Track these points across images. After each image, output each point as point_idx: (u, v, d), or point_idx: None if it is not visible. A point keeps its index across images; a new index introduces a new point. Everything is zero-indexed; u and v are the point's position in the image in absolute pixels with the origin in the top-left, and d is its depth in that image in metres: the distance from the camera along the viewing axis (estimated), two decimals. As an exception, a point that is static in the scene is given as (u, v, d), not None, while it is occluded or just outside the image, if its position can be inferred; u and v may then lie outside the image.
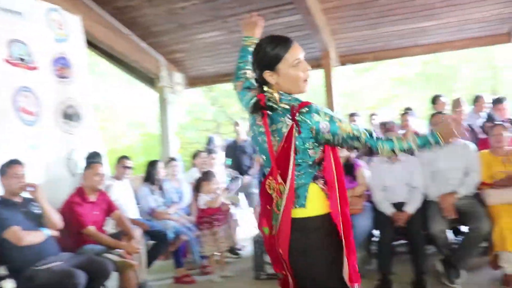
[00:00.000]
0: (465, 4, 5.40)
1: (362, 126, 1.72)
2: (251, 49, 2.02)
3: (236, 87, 2.06)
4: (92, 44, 5.68)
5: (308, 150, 1.67)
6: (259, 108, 1.73)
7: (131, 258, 3.57)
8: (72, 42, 4.52)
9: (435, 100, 5.49)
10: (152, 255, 4.18)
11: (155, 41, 6.41)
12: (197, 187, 4.72)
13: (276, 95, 1.72)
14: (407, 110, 5.58)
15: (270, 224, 1.79)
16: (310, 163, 1.70)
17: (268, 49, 1.70)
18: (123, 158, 4.65)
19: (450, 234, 3.93)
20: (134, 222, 4.16)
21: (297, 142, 1.64)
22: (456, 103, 5.18)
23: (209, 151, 5.97)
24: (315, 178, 1.72)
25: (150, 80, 7.20)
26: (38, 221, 3.22)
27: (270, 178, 1.73)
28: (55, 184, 3.89)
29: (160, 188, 4.88)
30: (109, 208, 3.86)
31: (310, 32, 5.67)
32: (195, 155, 5.81)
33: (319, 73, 6.58)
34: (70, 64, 4.43)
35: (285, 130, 1.65)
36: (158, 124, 7.51)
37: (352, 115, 6.37)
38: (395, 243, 4.30)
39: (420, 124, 5.76)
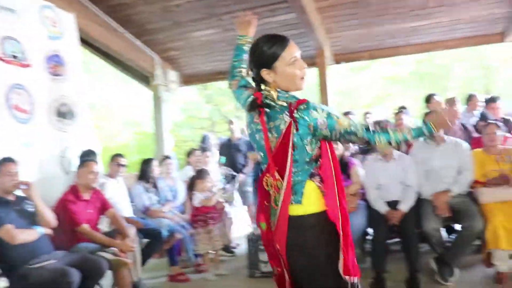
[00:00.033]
0: (457, 4, 5.43)
1: (358, 121, 1.74)
2: (245, 48, 2.09)
3: (232, 86, 2.08)
4: (86, 42, 5.65)
5: (306, 147, 1.69)
6: (256, 106, 1.75)
7: (125, 256, 3.56)
8: (66, 40, 4.50)
9: (429, 99, 5.51)
10: (146, 253, 4.17)
11: (150, 39, 6.39)
12: (191, 185, 4.71)
13: (273, 93, 1.75)
14: (401, 109, 5.60)
15: (268, 220, 1.82)
16: (308, 159, 1.72)
17: (265, 48, 1.73)
18: (117, 156, 4.63)
19: (443, 232, 3.96)
20: (128, 220, 4.15)
21: (295, 139, 1.67)
22: (450, 102, 5.20)
23: (203, 149, 5.97)
24: (311, 176, 1.75)
25: (144, 78, 7.18)
26: (32, 219, 3.21)
27: (268, 175, 1.76)
28: (49, 182, 3.87)
29: (155, 186, 4.87)
30: (103, 206, 3.85)
31: (304, 31, 5.68)
32: (189, 153, 5.80)
33: (314, 71, 6.59)
34: (64, 62, 4.40)
35: (283, 127, 1.67)
36: (152, 122, 7.48)
37: (346, 113, 6.36)
38: (389, 241, 4.32)
39: (414, 123, 5.78)
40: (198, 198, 4.47)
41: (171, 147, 7.39)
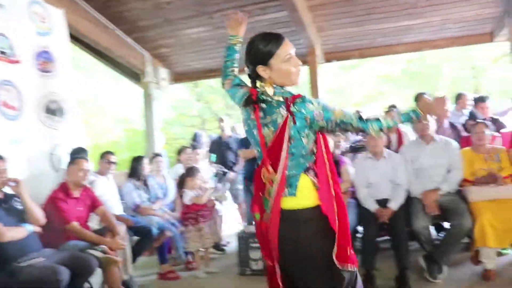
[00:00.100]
0: (447, 3, 5.47)
1: (351, 111, 1.81)
2: (237, 47, 2.16)
3: (225, 85, 2.13)
4: (76, 38, 5.60)
5: (303, 139, 1.75)
6: (251, 102, 1.82)
7: (114, 254, 3.55)
8: (55, 36, 4.45)
9: (418, 97, 5.54)
10: (136, 251, 4.16)
11: (140, 36, 6.35)
12: (181, 183, 4.70)
13: (269, 89, 1.80)
14: (392, 108, 5.62)
15: (262, 211, 1.86)
16: (304, 153, 1.77)
17: (260, 46, 1.79)
18: (107, 153, 4.60)
19: (432, 231, 4.00)
20: (119, 218, 4.13)
21: (292, 132, 1.72)
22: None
23: (194, 147, 5.95)
24: (306, 170, 1.80)
25: (135, 75, 7.14)
26: (20, 217, 3.18)
27: (263, 168, 1.81)
28: (38, 180, 3.84)
29: (145, 184, 4.85)
30: (93, 204, 3.82)
31: (295, 29, 5.68)
32: (180, 151, 5.79)
33: (305, 70, 6.60)
34: (53, 58, 4.36)
35: (280, 121, 1.74)
36: (143, 119, 7.45)
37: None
38: (378, 239, 4.35)
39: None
40: (189, 196, 4.46)
41: (161, 145, 7.36)
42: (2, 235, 2.92)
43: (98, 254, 3.36)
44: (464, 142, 4.49)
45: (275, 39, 1.79)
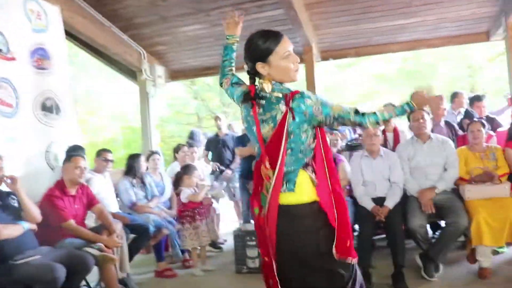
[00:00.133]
0: (443, 2, 5.47)
1: (348, 105, 1.84)
2: (234, 47, 2.20)
3: (224, 84, 2.16)
4: (71, 35, 5.58)
5: (302, 134, 1.77)
6: (250, 99, 1.84)
7: (111, 252, 3.54)
8: (51, 33, 4.43)
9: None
10: (133, 249, 4.15)
11: (137, 33, 6.32)
12: (177, 181, 4.70)
13: (268, 85, 1.81)
14: (388, 106, 5.64)
15: (261, 206, 1.88)
16: (302, 148, 1.79)
17: (259, 43, 1.81)
18: (104, 151, 4.59)
19: (428, 229, 4.01)
20: (115, 216, 4.12)
21: (291, 128, 1.75)
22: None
23: (190, 145, 5.94)
24: (304, 166, 1.82)
25: (131, 72, 7.11)
26: (17, 214, 3.17)
27: (262, 164, 1.84)
28: (34, 177, 3.83)
29: (142, 182, 4.84)
30: (90, 202, 3.81)
31: (292, 27, 5.67)
32: (177, 149, 5.78)
33: (301, 68, 6.58)
34: (49, 55, 4.34)
35: (279, 117, 1.76)
36: (139, 117, 7.43)
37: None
38: (375, 237, 4.38)
39: (400, 120, 5.83)
40: (186, 194, 4.46)
41: (157, 143, 7.35)
42: (-2, 232, 2.91)
43: (95, 252, 3.35)
44: (460, 141, 4.52)
45: (274, 36, 1.82)
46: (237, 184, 6.01)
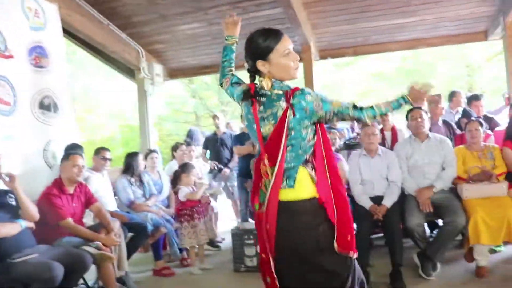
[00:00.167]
0: (441, 1, 5.48)
1: (346, 100, 1.86)
2: (233, 47, 2.22)
3: (224, 85, 2.18)
4: (69, 33, 5.57)
5: (302, 131, 1.79)
6: (250, 96, 1.86)
7: (108, 250, 3.54)
8: (49, 31, 4.43)
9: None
10: (131, 247, 4.14)
11: (135, 31, 6.32)
12: (175, 179, 4.70)
13: (267, 82, 1.84)
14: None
15: (260, 202, 1.90)
16: (302, 144, 1.81)
17: (260, 41, 1.83)
18: (102, 149, 4.58)
19: (426, 228, 4.01)
20: (113, 214, 4.12)
21: (292, 124, 1.76)
22: (434, 99, 5.25)
23: (188, 144, 5.94)
24: (304, 162, 1.84)
25: (129, 71, 7.11)
26: (14, 212, 3.16)
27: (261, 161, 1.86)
28: (32, 176, 3.82)
29: (140, 180, 4.83)
30: (88, 200, 3.80)
31: (290, 26, 5.67)
32: (175, 148, 5.77)
33: (300, 66, 6.58)
34: (46, 53, 4.34)
35: (280, 113, 1.77)
36: (137, 115, 7.42)
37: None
38: (373, 236, 4.38)
39: (398, 119, 5.83)
40: (184, 192, 4.45)
41: (155, 141, 7.34)
42: (-4, 231, 2.90)
43: (93, 250, 3.35)
44: (458, 140, 4.53)
45: (274, 35, 1.84)
46: (235, 183, 6.01)
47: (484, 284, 3.41)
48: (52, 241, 3.41)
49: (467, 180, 3.78)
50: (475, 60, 13.05)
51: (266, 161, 1.82)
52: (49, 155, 4.15)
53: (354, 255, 1.88)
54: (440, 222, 4.10)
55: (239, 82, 2.09)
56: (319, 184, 1.83)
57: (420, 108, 4.07)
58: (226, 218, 6.86)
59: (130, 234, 4.21)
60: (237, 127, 7.19)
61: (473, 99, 5.41)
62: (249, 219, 5.12)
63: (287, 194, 1.81)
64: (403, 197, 3.85)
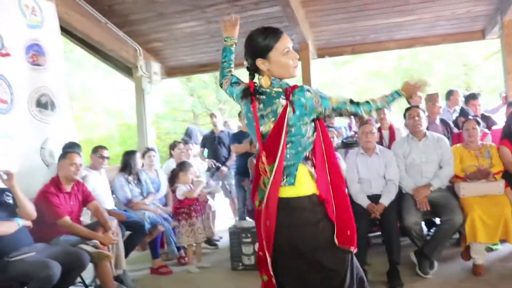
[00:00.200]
0: (438, 0, 5.49)
1: (343, 96, 1.91)
2: (233, 48, 2.25)
3: (223, 85, 2.20)
4: (67, 31, 5.55)
5: (302, 127, 1.80)
6: (249, 94, 1.88)
7: (106, 249, 3.53)
8: (46, 29, 4.41)
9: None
10: (128, 246, 4.14)
11: (133, 30, 6.31)
12: (172, 178, 4.69)
13: (265, 80, 1.86)
14: (384, 104, 5.65)
15: (259, 199, 1.92)
16: (302, 141, 1.82)
17: (259, 40, 1.85)
18: (100, 148, 4.57)
19: (424, 226, 4.02)
20: (111, 212, 4.11)
21: (291, 121, 1.78)
22: (431, 98, 5.26)
23: (186, 142, 5.94)
24: (304, 159, 1.85)
25: (127, 69, 7.10)
26: (11, 211, 3.15)
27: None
28: (29, 174, 3.81)
29: (137, 179, 4.83)
30: (86, 199, 3.80)
31: (288, 24, 5.67)
32: (173, 146, 5.76)
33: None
34: (44, 51, 4.32)
35: (280, 110, 1.79)
36: (135, 114, 7.41)
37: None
38: (370, 234, 4.39)
39: (396, 117, 5.84)
40: (182, 190, 4.45)
41: (153, 139, 7.33)
42: (-7, 229, 2.90)
43: (90, 249, 3.34)
44: (455, 138, 4.54)
45: (274, 33, 1.85)
46: (232, 181, 6.01)
47: (480, 282, 3.42)
48: (49, 239, 3.40)
49: (464, 178, 3.79)
50: (473, 59, 13.08)
51: (264, 159, 1.84)
52: (46, 153, 4.14)
53: (354, 251, 1.90)
54: (437, 220, 4.11)
55: (238, 82, 2.10)
56: (319, 181, 1.85)
57: (417, 106, 4.08)
58: (224, 216, 6.86)
59: (127, 233, 4.21)
60: (235, 125, 7.19)
61: (471, 98, 5.42)
62: (247, 218, 5.12)
63: (287, 191, 1.83)
64: (401, 195, 3.85)
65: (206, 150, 6.47)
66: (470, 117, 4.35)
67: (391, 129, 4.85)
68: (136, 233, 4.25)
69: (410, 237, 3.71)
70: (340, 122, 6.22)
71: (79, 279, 3.40)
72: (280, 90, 1.83)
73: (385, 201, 3.73)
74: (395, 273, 3.52)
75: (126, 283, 3.89)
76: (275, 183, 1.80)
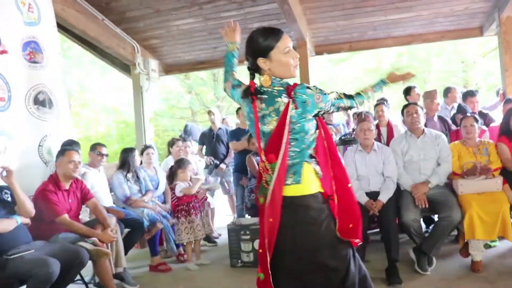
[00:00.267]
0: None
1: (338, 92, 1.98)
2: (235, 53, 2.28)
3: (226, 89, 2.23)
4: (64, 28, 5.53)
5: (305, 124, 1.83)
6: (250, 94, 1.90)
7: (104, 246, 3.53)
8: (43, 26, 4.38)
9: (408, 91, 5.58)
10: (127, 243, 4.14)
11: (130, 26, 6.30)
12: (171, 175, 4.69)
13: (266, 79, 1.89)
14: (382, 101, 5.66)
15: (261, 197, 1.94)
16: (306, 139, 1.85)
17: (260, 40, 1.88)
18: (98, 145, 4.56)
19: (422, 223, 4.03)
20: (109, 210, 4.11)
21: (295, 119, 1.80)
22: (428, 95, 5.27)
23: (184, 139, 5.93)
24: (308, 157, 1.88)
25: (125, 66, 7.08)
26: (10, 209, 3.15)
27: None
28: (27, 172, 3.79)
29: (136, 176, 4.82)
30: (84, 196, 3.79)
31: (286, 21, 5.67)
32: (171, 143, 5.75)
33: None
34: (41, 49, 4.30)
35: (282, 109, 1.81)
36: (133, 111, 7.40)
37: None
38: (369, 231, 4.39)
39: (394, 114, 5.85)
40: (180, 187, 4.45)
41: (151, 137, 7.33)
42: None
43: (89, 246, 3.34)
44: (453, 135, 4.54)
45: (274, 33, 1.89)
46: (231, 179, 6.01)
47: (479, 278, 3.43)
48: (48, 237, 3.39)
49: (462, 175, 3.80)
50: (470, 56, 13.10)
51: (264, 157, 1.86)
52: (44, 151, 4.12)
53: (358, 243, 1.93)
54: (435, 217, 4.12)
55: (240, 84, 2.12)
56: (323, 178, 1.89)
57: (415, 103, 4.08)
58: (223, 213, 6.86)
59: (126, 230, 4.21)
60: (233, 122, 7.18)
61: (468, 95, 5.42)
62: (246, 215, 5.12)
63: (292, 190, 1.85)
64: (399, 192, 3.86)
65: (204, 147, 6.46)
66: (468, 114, 4.35)
67: (389, 126, 4.86)
68: (134, 231, 4.25)
69: (409, 234, 3.71)
70: (338, 119, 6.22)
71: (78, 277, 3.40)
72: (282, 88, 1.86)
73: (384, 198, 3.74)
74: (393, 270, 3.53)
75: (127, 281, 3.89)
76: (279, 182, 1.81)
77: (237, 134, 5.59)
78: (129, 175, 4.72)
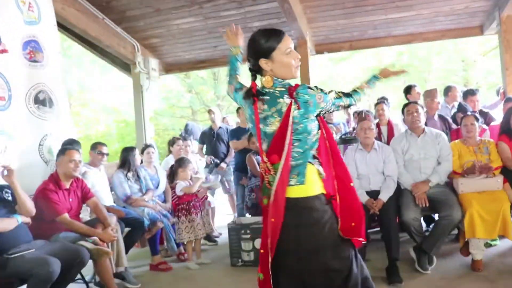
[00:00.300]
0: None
1: (336, 91, 2.00)
2: (238, 57, 2.28)
3: (229, 92, 2.24)
4: (64, 27, 5.52)
5: (308, 125, 1.83)
6: (251, 95, 1.89)
7: (105, 245, 3.53)
8: (43, 25, 4.38)
9: (408, 90, 5.58)
10: (127, 242, 4.14)
11: (130, 26, 6.29)
12: (171, 174, 4.68)
13: (267, 79, 1.89)
14: (382, 100, 5.65)
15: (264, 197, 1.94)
16: (309, 139, 1.85)
17: (262, 41, 1.88)
18: (99, 144, 4.56)
19: (422, 222, 4.03)
20: (110, 209, 4.11)
21: (297, 119, 1.80)
22: (429, 94, 5.27)
23: (184, 138, 5.93)
24: (312, 158, 1.89)
25: (125, 65, 7.08)
26: (10, 208, 3.15)
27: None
28: (28, 171, 3.79)
29: (136, 175, 4.82)
30: (85, 195, 3.79)
31: (286, 20, 5.66)
32: (172, 142, 5.75)
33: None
34: (41, 48, 4.29)
35: (285, 109, 1.81)
36: (133, 110, 7.39)
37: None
38: (369, 230, 4.39)
39: (394, 113, 5.85)
40: (181, 186, 4.45)
41: (151, 136, 7.32)
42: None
43: (89, 245, 3.34)
44: (453, 134, 4.54)
45: (276, 34, 1.90)
46: (231, 178, 6.01)
47: (479, 277, 3.43)
48: (48, 236, 3.40)
49: (462, 174, 3.80)
50: (471, 55, 13.09)
51: (265, 158, 1.86)
52: (45, 150, 4.12)
53: (362, 242, 1.95)
54: (436, 216, 4.12)
55: (241, 87, 2.12)
56: (326, 178, 1.89)
57: (416, 102, 4.08)
58: (223, 212, 6.86)
59: (126, 229, 4.21)
60: (233, 121, 7.18)
61: (469, 93, 5.42)
62: (246, 214, 5.13)
63: (295, 191, 1.85)
64: (399, 191, 3.86)
65: (204, 147, 6.46)
66: (468, 113, 4.35)
67: (389, 125, 4.85)
68: (135, 230, 4.25)
69: (409, 233, 3.71)
70: (338, 118, 6.22)
71: (78, 276, 3.40)
72: (283, 89, 1.86)
73: (384, 197, 3.73)
74: (394, 269, 3.53)
75: (128, 280, 3.89)
76: (282, 183, 1.81)
77: (237, 133, 5.59)
78: (130, 174, 4.72)
